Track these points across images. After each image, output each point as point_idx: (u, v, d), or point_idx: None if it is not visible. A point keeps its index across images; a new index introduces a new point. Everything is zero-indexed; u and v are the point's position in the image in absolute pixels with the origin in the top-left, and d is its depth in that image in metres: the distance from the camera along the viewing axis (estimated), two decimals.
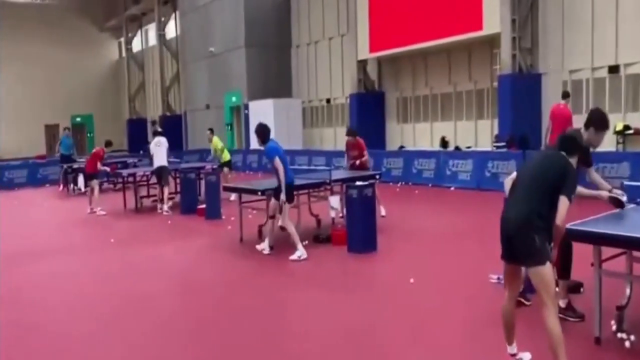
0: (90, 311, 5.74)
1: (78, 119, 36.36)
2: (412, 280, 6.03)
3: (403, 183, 14.91)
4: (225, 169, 13.30)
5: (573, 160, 3.81)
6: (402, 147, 18.63)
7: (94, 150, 13.18)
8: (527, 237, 3.51)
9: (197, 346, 4.66)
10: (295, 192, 8.32)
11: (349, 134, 10.43)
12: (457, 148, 16.69)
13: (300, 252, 7.26)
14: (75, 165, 16.89)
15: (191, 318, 5.38)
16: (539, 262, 3.50)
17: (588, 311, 4.50)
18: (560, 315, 4.11)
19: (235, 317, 5.34)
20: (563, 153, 3.78)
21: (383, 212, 9.59)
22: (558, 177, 3.61)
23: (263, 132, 7.51)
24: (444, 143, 17.44)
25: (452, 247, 7.68)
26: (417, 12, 16.71)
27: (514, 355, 3.85)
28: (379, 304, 5.49)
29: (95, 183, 12.57)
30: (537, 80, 14.58)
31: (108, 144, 13.41)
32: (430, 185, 14.30)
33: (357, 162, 10.05)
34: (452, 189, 13.64)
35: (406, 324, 4.92)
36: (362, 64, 19.37)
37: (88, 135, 36.66)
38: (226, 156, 13.48)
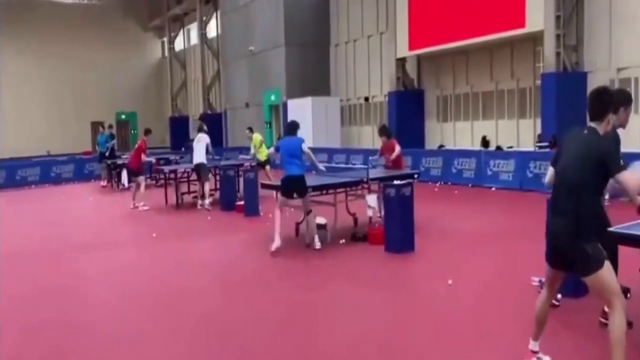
0: (129, 306, 5.89)
1: (123, 117, 37.38)
2: (450, 282, 5.94)
3: (442, 183, 14.72)
4: (267, 167, 13.39)
5: (613, 117, 3.59)
6: (441, 146, 18.40)
7: (136, 145, 13.44)
8: (578, 249, 3.40)
9: (232, 342, 4.72)
10: (332, 191, 8.36)
11: (382, 133, 10.01)
12: (498, 148, 16.37)
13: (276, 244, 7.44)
14: (119, 162, 17.34)
15: (228, 314, 5.45)
16: (595, 269, 3.39)
17: (635, 318, 4.34)
18: (605, 321, 3.98)
19: (269, 313, 5.39)
20: (593, 127, 3.54)
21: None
22: (597, 168, 3.39)
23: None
24: (485, 142, 17.12)
25: (493, 249, 7.54)
26: (458, 9, 16.45)
27: (535, 352, 3.79)
28: (415, 305, 5.44)
29: (142, 179, 12.83)
30: (583, 78, 14.13)
31: (147, 131, 13.57)
32: (470, 185, 14.06)
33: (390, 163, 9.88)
34: (493, 189, 13.38)
35: (442, 326, 4.86)
36: (401, 62, 19.20)
37: (132, 132, 37.65)
38: (263, 153, 13.52)
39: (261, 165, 13.31)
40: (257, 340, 4.71)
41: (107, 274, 7.16)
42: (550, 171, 3.83)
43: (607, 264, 3.42)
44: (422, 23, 17.85)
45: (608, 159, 3.39)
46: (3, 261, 7.81)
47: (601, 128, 3.57)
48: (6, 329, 5.18)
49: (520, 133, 16.63)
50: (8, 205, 14.75)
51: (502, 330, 4.68)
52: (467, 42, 16.45)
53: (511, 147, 16.18)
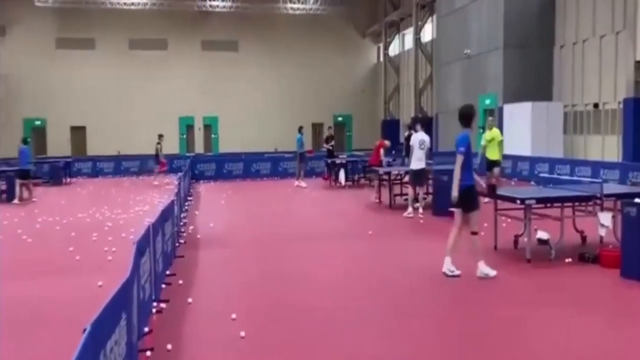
0: (343, 292, 6.36)
1: (339, 119, 39.82)
2: None
3: None
4: (496, 170, 12.89)
5: None
6: None
7: (377, 143, 14.57)
8: None
9: (432, 340, 4.81)
10: (559, 205, 7.86)
11: None
12: None
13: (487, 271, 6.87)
14: (338, 161, 18.65)
15: (432, 316, 5.56)
16: None
17: None
18: None
19: (487, 325, 5.34)
20: None
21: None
22: None
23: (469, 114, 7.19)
24: None
25: None
26: None
27: None
28: None
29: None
30: None
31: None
32: None
33: None
34: None
35: None
36: None
37: (347, 133, 39.87)
38: (494, 154, 12.80)
39: (490, 165, 12.76)
40: (455, 348, 4.74)
41: (339, 263, 7.90)
42: None
43: None
44: None
45: None
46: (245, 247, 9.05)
47: None
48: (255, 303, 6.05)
49: None
50: (247, 192, 16.93)
51: None
52: None
53: None
